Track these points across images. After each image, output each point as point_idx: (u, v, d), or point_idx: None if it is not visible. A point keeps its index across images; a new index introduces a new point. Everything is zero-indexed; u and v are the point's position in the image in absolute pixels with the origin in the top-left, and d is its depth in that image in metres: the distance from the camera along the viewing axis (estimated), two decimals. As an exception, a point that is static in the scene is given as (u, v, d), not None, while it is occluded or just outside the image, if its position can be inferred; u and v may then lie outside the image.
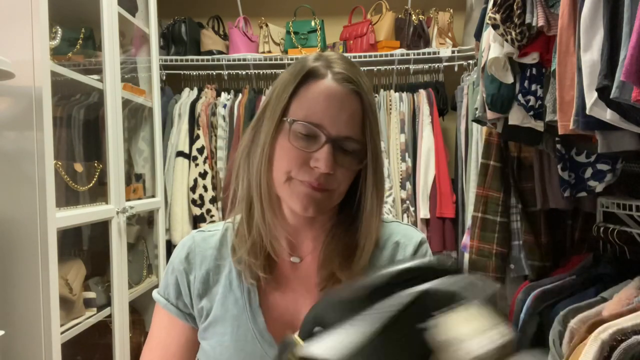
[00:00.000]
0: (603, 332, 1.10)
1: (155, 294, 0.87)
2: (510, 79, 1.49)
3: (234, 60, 2.88)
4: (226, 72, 2.95)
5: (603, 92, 0.97)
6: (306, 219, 0.79)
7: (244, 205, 0.81)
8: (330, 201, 0.77)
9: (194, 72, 2.97)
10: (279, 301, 0.81)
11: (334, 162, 0.73)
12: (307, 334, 0.47)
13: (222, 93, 2.88)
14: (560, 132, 1.20)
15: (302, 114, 0.74)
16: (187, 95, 2.89)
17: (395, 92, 2.84)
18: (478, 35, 1.78)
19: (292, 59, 2.82)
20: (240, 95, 2.88)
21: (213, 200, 2.75)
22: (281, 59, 2.87)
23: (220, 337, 0.80)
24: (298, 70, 0.76)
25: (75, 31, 1.90)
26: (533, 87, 1.45)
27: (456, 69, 2.84)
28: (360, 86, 0.75)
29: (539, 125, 1.47)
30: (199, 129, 2.76)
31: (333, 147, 0.73)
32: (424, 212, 2.70)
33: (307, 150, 0.73)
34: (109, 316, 1.89)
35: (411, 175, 2.73)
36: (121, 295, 1.93)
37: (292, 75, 0.76)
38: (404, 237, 0.84)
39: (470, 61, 2.80)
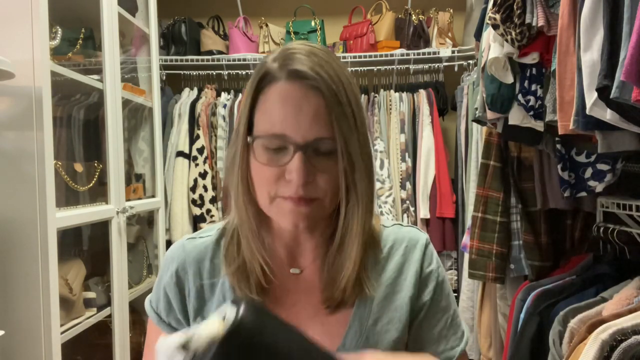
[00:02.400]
0: (603, 332, 1.10)
1: (147, 305, 0.83)
2: (510, 79, 1.49)
3: (234, 60, 2.89)
4: (226, 72, 2.95)
5: (603, 92, 0.97)
6: (304, 228, 0.74)
7: (234, 224, 0.76)
8: (321, 210, 0.70)
9: (194, 72, 2.97)
10: (281, 314, 0.74)
11: (311, 169, 0.67)
12: None
13: (222, 93, 2.88)
14: (560, 132, 1.20)
15: (264, 127, 0.68)
16: (187, 95, 2.89)
17: (395, 92, 2.84)
18: (478, 35, 1.78)
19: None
20: (240, 95, 2.88)
21: (213, 200, 2.75)
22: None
23: None
24: (255, 75, 0.71)
25: (75, 31, 1.90)
26: (533, 87, 1.45)
27: (456, 69, 2.85)
28: (319, 79, 0.66)
29: (539, 125, 1.47)
30: (199, 129, 2.76)
31: (305, 154, 0.66)
32: (424, 212, 2.70)
33: (279, 165, 0.67)
34: (109, 316, 1.89)
35: (411, 175, 2.74)
36: (121, 295, 1.93)
37: (251, 83, 0.71)
38: (409, 241, 0.79)
39: (470, 61, 2.80)
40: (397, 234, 0.81)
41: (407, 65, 2.93)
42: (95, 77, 1.89)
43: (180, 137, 2.77)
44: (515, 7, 1.35)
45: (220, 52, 2.92)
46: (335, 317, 0.75)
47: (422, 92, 2.80)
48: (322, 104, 0.67)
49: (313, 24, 2.90)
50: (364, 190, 0.70)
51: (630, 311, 1.18)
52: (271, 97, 0.68)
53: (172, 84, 3.00)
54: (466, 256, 2.03)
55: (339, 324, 0.75)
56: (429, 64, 2.93)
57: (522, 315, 1.56)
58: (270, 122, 0.68)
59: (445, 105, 2.87)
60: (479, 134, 2.31)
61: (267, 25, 2.93)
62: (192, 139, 2.77)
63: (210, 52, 2.91)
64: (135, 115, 2.40)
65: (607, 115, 1.02)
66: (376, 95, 2.85)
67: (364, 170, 0.70)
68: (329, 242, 0.75)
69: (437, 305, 0.79)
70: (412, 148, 2.76)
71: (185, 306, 0.78)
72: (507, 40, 1.38)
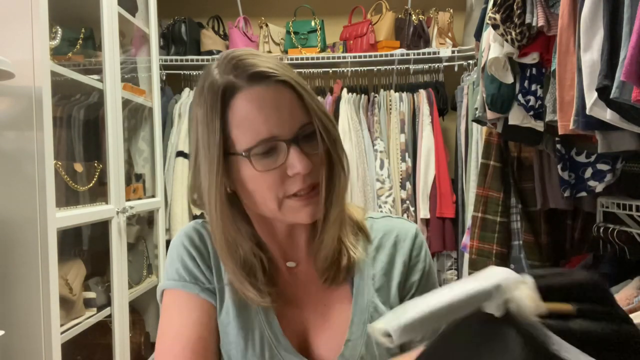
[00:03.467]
0: (603, 332, 1.10)
1: (169, 283, 0.77)
2: (510, 79, 1.49)
3: (234, 60, 2.88)
4: (226, 72, 2.95)
5: (603, 92, 0.97)
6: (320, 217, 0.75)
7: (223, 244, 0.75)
8: (323, 196, 0.73)
9: (194, 72, 2.97)
10: (287, 308, 0.77)
11: (308, 157, 0.69)
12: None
13: (222, 93, 2.88)
14: (560, 132, 1.20)
15: (248, 139, 0.68)
16: (187, 95, 2.89)
17: (395, 92, 2.84)
18: (478, 35, 1.78)
19: (292, 59, 2.82)
20: (240, 95, 2.88)
21: (213, 200, 2.74)
22: (281, 59, 2.86)
23: (234, 338, 0.75)
24: (212, 98, 0.69)
25: (75, 31, 1.90)
26: (533, 87, 1.45)
27: (456, 69, 2.85)
28: (277, 71, 0.68)
29: (539, 125, 1.47)
30: (199, 129, 2.75)
31: (297, 145, 0.69)
32: (424, 212, 2.70)
33: (277, 166, 0.68)
34: (109, 316, 1.89)
35: (411, 175, 2.74)
36: (121, 295, 1.93)
37: (209, 107, 0.69)
38: (399, 231, 0.81)
39: (470, 61, 2.80)
40: (387, 225, 0.83)
41: (407, 65, 2.93)
42: (95, 77, 1.89)
43: (180, 137, 2.77)
44: (515, 7, 1.34)
45: (220, 52, 2.92)
46: (335, 309, 0.77)
47: (422, 92, 2.80)
48: (293, 94, 0.69)
49: (313, 24, 2.90)
50: (345, 160, 0.74)
51: (630, 311, 1.18)
52: (242, 107, 0.68)
53: (172, 84, 3.00)
54: (466, 256, 2.03)
55: (340, 315, 0.77)
56: (429, 64, 2.93)
57: (522, 315, 1.56)
58: (252, 130, 0.68)
59: (445, 105, 2.87)
60: (479, 134, 2.31)
61: (267, 25, 2.93)
62: (192, 139, 2.77)
63: (210, 52, 2.91)
64: (135, 115, 2.40)
65: (607, 115, 1.02)
66: (376, 95, 2.84)
67: (341, 141, 0.74)
68: (318, 233, 0.77)
69: (422, 294, 0.79)
70: (412, 148, 2.76)
71: (212, 273, 0.77)
72: (507, 40, 1.38)
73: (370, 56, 2.83)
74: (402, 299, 0.79)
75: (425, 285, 0.80)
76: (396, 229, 0.82)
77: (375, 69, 2.93)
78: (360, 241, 0.80)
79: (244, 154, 0.69)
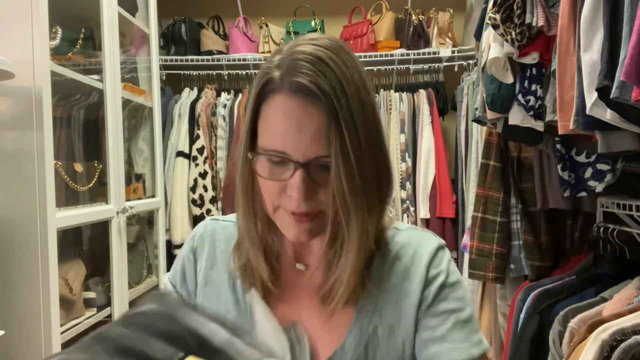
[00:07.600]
0: (603, 332, 1.10)
1: (166, 279, 0.85)
2: (510, 79, 1.49)
3: (234, 60, 2.89)
4: (226, 72, 2.95)
5: (603, 92, 0.97)
6: (306, 241, 0.74)
7: (242, 221, 0.76)
8: (324, 223, 0.69)
9: (194, 72, 2.98)
10: (281, 308, 0.76)
11: (312, 185, 0.66)
12: None
13: (222, 93, 2.88)
14: (560, 132, 1.20)
15: (265, 142, 0.67)
16: (187, 95, 2.89)
17: (395, 92, 2.84)
18: (478, 35, 1.78)
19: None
20: (240, 95, 2.88)
21: (213, 200, 2.75)
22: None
23: None
24: (258, 80, 0.68)
25: (75, 31, 1.90)
26: (533, 87, 1.45)
27: (456, 69, 2.85)
28: (321, 94, 0.63)
29: (539, 125, 1.47)
30: (199, 129, 2.76)
31: (306, 171, 0.65)
32: (424, 212, 2.70)
33: (280, 180, 0.67)
34: (109, 316, 1.89)
35: (411, 175, 2.74)
36: (121, 295, 1.93)
37: (254, 89, 0.69)
38: (419, 245, 0.76)
39: (470, 61, 2.80)
40: (408, 237, 0.78)
41: (407, 65, 2.93)
42: (95, 77, 1.89)
43: (180, 137, 2.77)
44: (515, 7, 1.35)
45: (220, 52, 2.92)
46: (336, 318, 0.74)
47: (422, 92, 2.80)
48: (323, 122, 0.64)
49: (313, 24, 2.90)
50: (359, 207, 0.67)
51: (630, 311, 1.18)
52: (273, 109, 0.66)
53: (172, 84, 3.00)
54: (466, 256, 2.03)
55: (339, 326, 0.74)
56: (429, 64, 2.94)
57: (522, 315, 1.56)
58: (271, 136, 0.66)
59: (445, 105, 2.87)
60: (479, 134, 2.31)
61: (267, 25, 2.93)
62: (192, 139, 2.77)
63: (210, 52, 2.91)
64: (135, 115, 2.40)
65: (607, 115, 1.02)
66: (376, 95, 2.85)
67: (361, 187, 0.66)
68: (333, 245, 0.73)
69: (441, 305, 0.73)
70: (412, 148, 2.77)
71: (195, 279, 0.81)
72: (507, 40, 1.38)
73: (370, 56, 2.83)
74: (420, 313, 0.74)
75: (447, 297, 0.74)
76: (416, 242, 0.77)
77: (375, 69, 2.93)
78: (377, 257, 0.76)
79: (250, 155, 0.69)
